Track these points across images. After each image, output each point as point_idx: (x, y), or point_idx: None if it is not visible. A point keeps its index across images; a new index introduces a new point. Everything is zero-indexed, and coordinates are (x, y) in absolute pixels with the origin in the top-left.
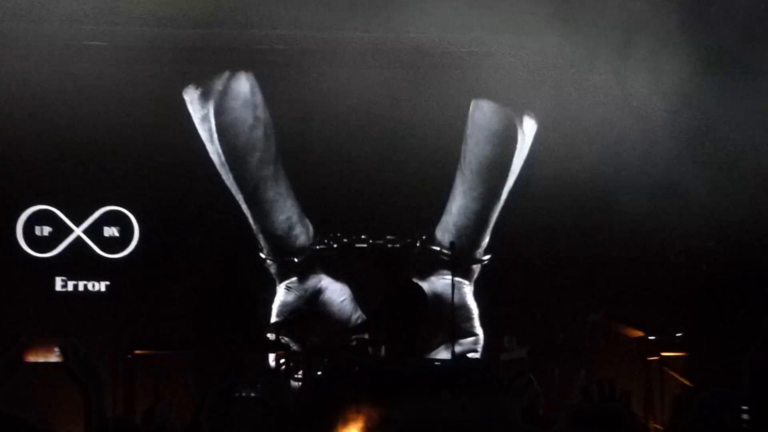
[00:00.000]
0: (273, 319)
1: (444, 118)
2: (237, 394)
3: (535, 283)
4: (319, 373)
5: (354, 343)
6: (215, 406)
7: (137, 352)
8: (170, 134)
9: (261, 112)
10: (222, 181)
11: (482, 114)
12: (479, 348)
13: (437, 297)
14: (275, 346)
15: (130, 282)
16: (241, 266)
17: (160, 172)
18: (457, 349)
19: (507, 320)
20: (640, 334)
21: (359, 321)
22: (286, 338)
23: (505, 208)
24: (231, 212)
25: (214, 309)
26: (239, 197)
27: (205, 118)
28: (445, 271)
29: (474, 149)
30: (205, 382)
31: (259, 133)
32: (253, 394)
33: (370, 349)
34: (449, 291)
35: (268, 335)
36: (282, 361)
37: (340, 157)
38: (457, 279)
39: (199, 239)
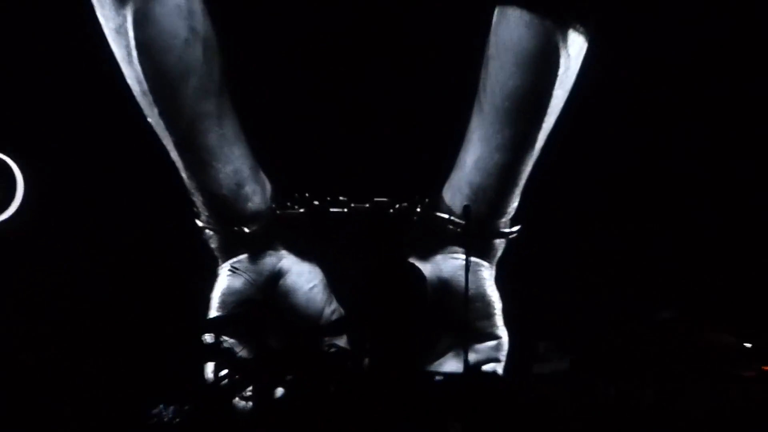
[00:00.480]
0: (212, 313)
1: (457, 32)
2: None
3: (583, 266)
4: (279, 392)
5: (328, 348)
6: None
7: None
8: (70, 51)
9: (199, 23)
10: (144, 119)
11: (509, 27)
12: (502, 356)
13: (444, 284)
14: (214, 352)
15: (8, 256)
16: (165, 240)
17: (55, 104)
18: (472, 357)
19: (542, 319)
20: (732, 340)
21: (334, 317)
22: (229, 340)
23: (540, 161)
24: (155, 163)
25: (126, 300)
26: (167, 141)
27: (120, 30)
28: (455, 248)
29: (498, 77)
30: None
31: (197, 51)
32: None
33: (348, 359)
34: (462, 276)
35: (204, 337)
36: (223, 372)
37: (310, 87)
38: (473, 259)
39: (108, 201)
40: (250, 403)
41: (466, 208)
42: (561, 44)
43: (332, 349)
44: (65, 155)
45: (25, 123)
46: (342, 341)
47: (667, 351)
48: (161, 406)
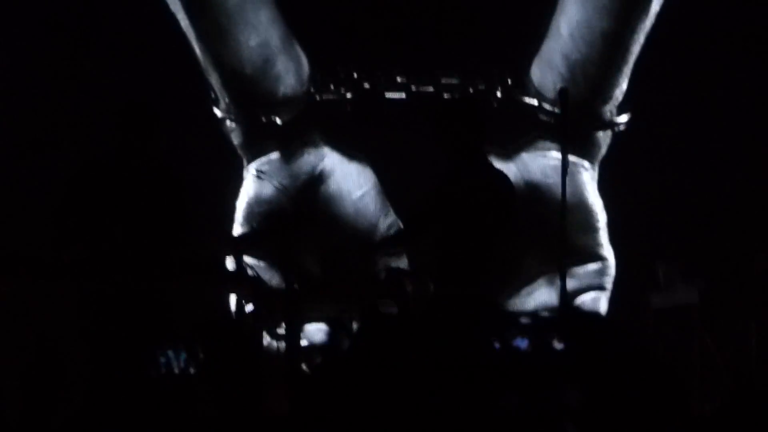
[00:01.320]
0: (235, 228)
1: None
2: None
3: (711, 168)
4: (320, 332)
5: (385, 273)
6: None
7: None
8: None
9: None
10: None
11: None
12: (608, 282)
13: (534, 190)
14: (237, 280)
15: None
16: (170, 135)
17: None
18: (570, 285)
19: (660, 235)
20: None
21: (392, 232)
22: (257, 263)
23: (657, 31)
24: (159, 33)
25: (118, 211)
26: (174, 3)
27: None
28: (547, 143)
29: None
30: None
31: None
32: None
33: (412, 287)
34: (555, 179)
35: (225, 260)
36: (249, 307)
37: None
38: (571, 158)
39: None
40: (283, 344)
41: (562, 91)
42: None
43: (390, 274)
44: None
45: None
46: (402, 264)
47: None
48: (170, 352)
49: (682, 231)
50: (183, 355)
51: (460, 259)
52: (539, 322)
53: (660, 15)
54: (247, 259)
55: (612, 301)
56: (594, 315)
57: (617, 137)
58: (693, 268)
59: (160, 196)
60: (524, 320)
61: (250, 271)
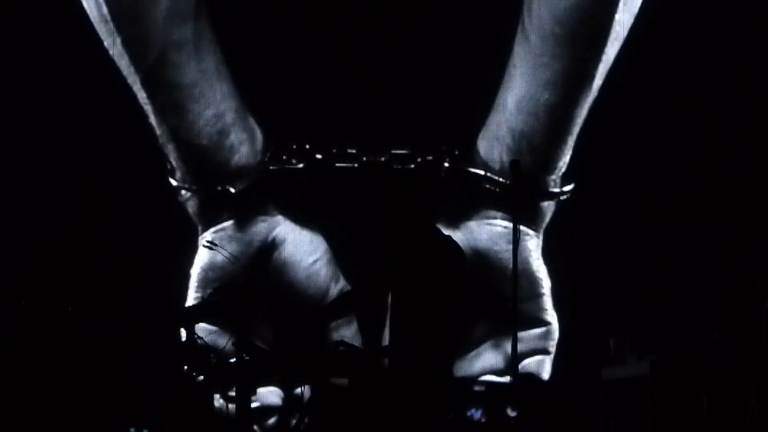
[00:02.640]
0: (190, 294)
1: None
2: None
3: (659, 237)
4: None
5: (335, 346)
6: None
7: None
8: None
9: None
10: (103, 49)
11: None
12: (551, 346)
13: (480, 257)
14: (189, 351)
15: None
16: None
17: None
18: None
19: (608, 307)
20: None
21: (341, 296)
22: (209, 330)
23: (598, 103)
24: (117, 107)
25: (69, 280)
26: (132, 78)
27: None
28: (492, 212)
29: None
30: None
31: None
32: None
33: (363, 359)
34: (501, 247)
35: (178, 331)
36: (200, 377)
37: (311, 11)
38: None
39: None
40: (232, 407)
41: (514, 163)
42: None
43: (341, 347)
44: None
45: None
46: (350, 330)
47: None
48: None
49: (633, 303)
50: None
51: (412, 328)
52: (493, 390)
53: (602, 87)
54: (200, 326)
55: (563, 372)
56: (546, 383)
57: (561, 205)
58: (644, 340)
59: (111, 269)
60: (478, 388)
61: (200, 341)
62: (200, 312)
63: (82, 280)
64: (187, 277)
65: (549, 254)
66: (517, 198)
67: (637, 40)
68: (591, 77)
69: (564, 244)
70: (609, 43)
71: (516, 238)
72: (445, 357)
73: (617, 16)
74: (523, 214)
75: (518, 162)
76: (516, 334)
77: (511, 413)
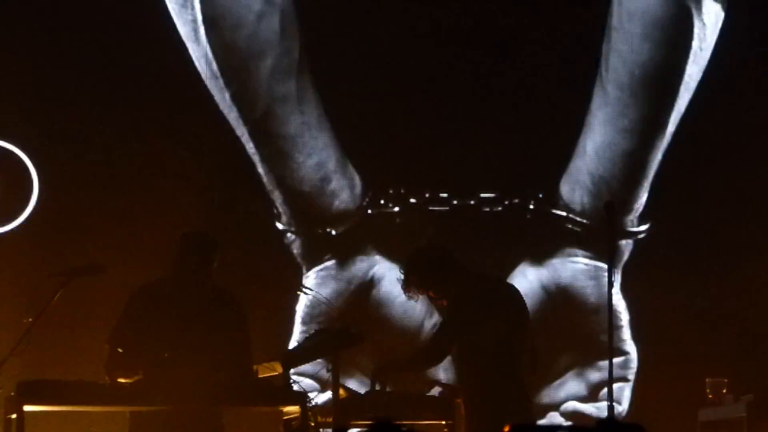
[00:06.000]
0: (295, 334)
1: (573, 0)
2: None
3: (735, 274)
4: None
5: (430, 388)
6: None
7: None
8: (128, 31)
9: None
10: (213, 104)
11: None
12: (631, 374)
13: (563, 292)
14: (285, 393)
15: (20, 272)
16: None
17: (111, 93)
18: (596, 377)
19: (705, 346)
20: None
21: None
22: (305, 377)
23: (671, 148)
24: (225, 154)
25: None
26: (240, 130)
27: (185, 3)
28: (575, 250)
29: (623, 51)
30: None
31: (273, 25)
32: None
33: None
34: (583, 281)
35: (272, 370)
36: (294, 422)
37: (405, 66)
38: (594, 263)
39: (156, 202)
40: None
41: (608, 204)
42: (695, 12)
43: (437, 389)
44: (91, 147)
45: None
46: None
47: None
48: None
49: (728, 343)
50: None
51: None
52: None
53: (675, 134)
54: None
55: (661, 416)
56: (642, 426)
57: (638, 243)
58: (741, 381)
59: (216, 318)
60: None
61: (296, 387)
62: (298, 356)
63: (182, 326)
64: (293, 313)
65: (635, 291)
66: (614, 234)
67: (707, 91)
68: (664, 125)
69: (653, 282)
70: (680, 94)
71: (611, 277)
72: (518, 391)
73: (688, 69)
74: (600, 251)
75: (613, 203)
76: (612, 363)
77: None
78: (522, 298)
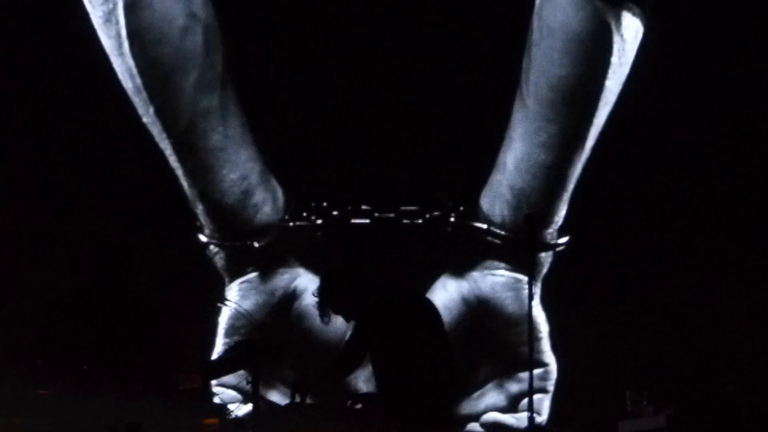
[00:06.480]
0: (218, 345)
1: (493, 16)
2: None
3: (656, 286)
4: None
5: (352, 402)
6: None
7: None
8: (52, 45)
9: (199, 7)
10: (137, 117)
11: (555, 8)
12: (550, 386)
13: (484, 305)
14: (204, 405)
15: None
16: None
17: (36, 105)
18: (515, 388)
19: (625, 358)
20: None
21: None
22: (226, 389)
23: (591, 162)
24: (148, 167)
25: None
26: (164, 144)
27: (109, 18)
28: (495, 263)
29: (543, 65)
30: None
31: (197, 40)
32: None
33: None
34: (503, 294)
35: (192, 382)
36: None
37: (327, 81)
38: (513, 275)
39: (78, 213)
40: None
41: (529, 217)
42: (614, 27)
43: (356, 403)
44: (41, 161)
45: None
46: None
47: None
48: None
49: (648, 355)
50: None
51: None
52: None
53: (595, 147)
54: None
55: (581, 428)
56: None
57: (558, 256)
58: (660, 393)
59: (134, 328)
60: None
61: (216, 399)
62: (219, 368)
63: (99, 336)
64: (216, 326)
65: (554, 303)
66: (533, 248)
67: (624, 106)
68: (583, 139)
69: (572, 294)
70: (599, 108)
71: (531, 290)
72: (436, 403)
73: (607, 83)
74: (519, 263)
75: (533, 216)
76: (532, 376)
77: None
78: (437, 311)
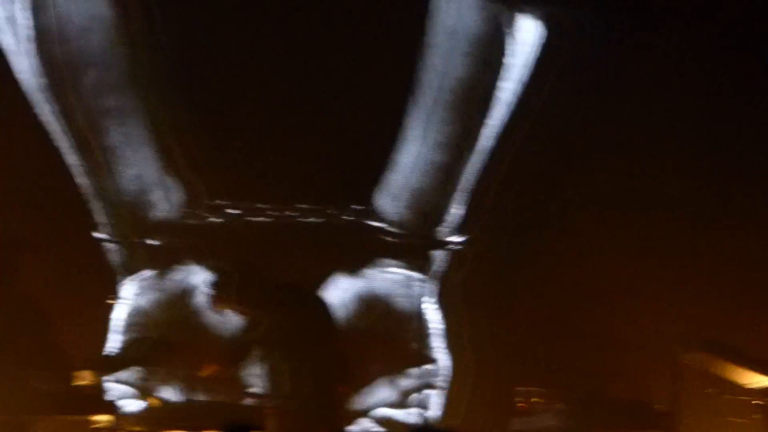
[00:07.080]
0: (110, 342)
1: (393, 15)
2: None
3: (559, 284)
4: None
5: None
6: None
7: None
8: None
9: (102, 7)
10: (34, 115)
11: (453, 10)
12: (438, 382)
13: (378, 301)
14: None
15: None
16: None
17: None
18: (405, 384)
19: (518, 355)
20: None
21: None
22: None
23: (490, 161)
24: (44, 164)
25: None
26: (62, 142)
27: (11, 18)
28: (390, 261)
29: (437, 66)
30: None
31: (99, 40)
32: None
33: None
34: (397, 291)
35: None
36: None
37: (227, 77)
38: (411, 273)
39: None
40: None
41: (425, 215)
42: (508, 29)
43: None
44: None
45: None
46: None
47: (691, 395)
48: None
49: (544, 354)
50: None
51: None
52: None
53: (496, 149)
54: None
55: (474, 424)
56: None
57: (455, 256)
58: (552, 392)
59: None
60: None
61: (109, 395)
62: (112, 365)
63: None
64: (108, 323)
65: (448, 299)
66: (428, 247)
67: (521, 103)
68: (478, 139)
69: (470, 291)
70: (494, 108)
71: (424, 285)
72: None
73: (501, 84)
74: (416, 262)
75: (427, 214)
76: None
77: None
78: (327, 309)
